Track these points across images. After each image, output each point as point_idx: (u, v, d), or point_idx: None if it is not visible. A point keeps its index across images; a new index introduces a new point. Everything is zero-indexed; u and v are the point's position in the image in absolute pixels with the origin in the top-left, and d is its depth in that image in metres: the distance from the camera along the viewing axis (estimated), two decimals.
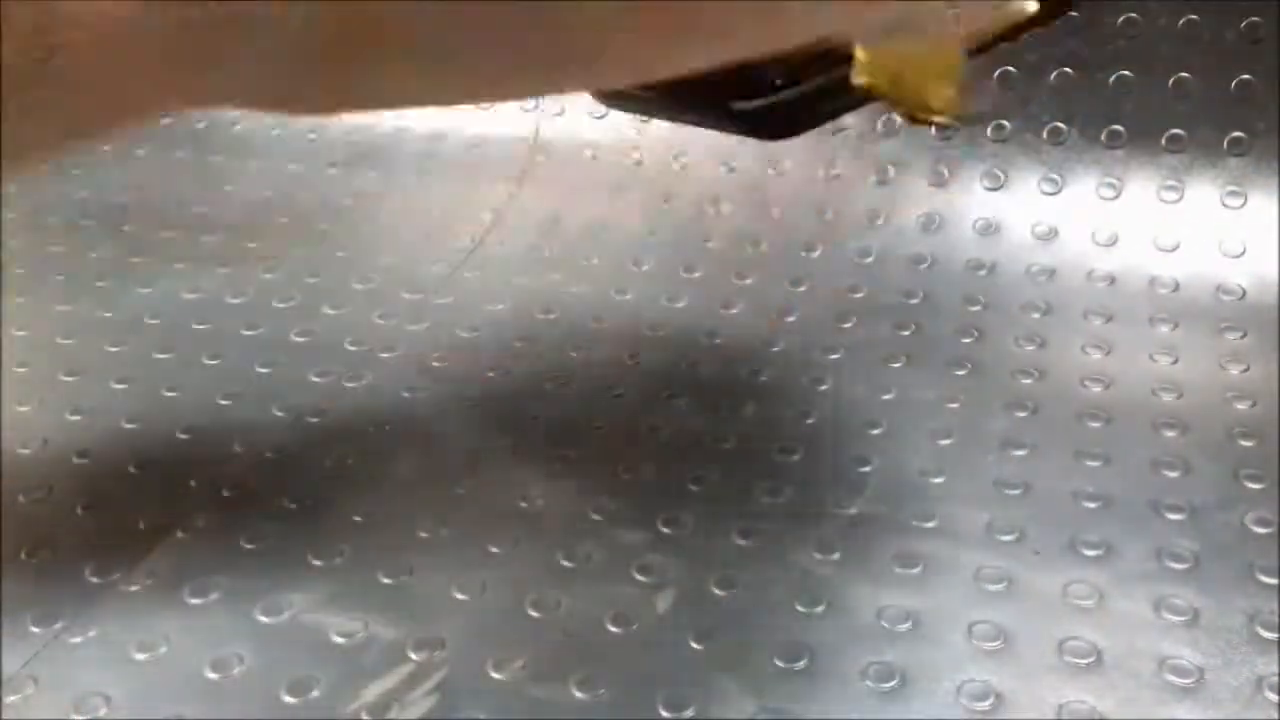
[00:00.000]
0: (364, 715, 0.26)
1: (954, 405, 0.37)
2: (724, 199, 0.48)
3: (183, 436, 0.36)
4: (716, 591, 0.29)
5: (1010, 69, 0.46)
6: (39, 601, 0.29)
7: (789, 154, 0.48)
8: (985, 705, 0.26)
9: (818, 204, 0.47)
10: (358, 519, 0.32)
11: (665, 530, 0.31)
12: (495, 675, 0.27)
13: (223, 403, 0.38)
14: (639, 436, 0.36)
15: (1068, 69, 0.45)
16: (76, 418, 0.37)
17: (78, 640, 0.28)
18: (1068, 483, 0.33)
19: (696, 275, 0.45)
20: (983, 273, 0.44)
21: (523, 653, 0.27)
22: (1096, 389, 0.37)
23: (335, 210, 0.51)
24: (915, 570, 0.30)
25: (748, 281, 0.45)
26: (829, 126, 0.48)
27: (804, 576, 0.30)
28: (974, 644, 0.27)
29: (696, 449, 0.35)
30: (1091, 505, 0.32)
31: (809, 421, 0.36)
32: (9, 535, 0.31)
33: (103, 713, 0.26)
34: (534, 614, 0.29)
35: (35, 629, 0.28)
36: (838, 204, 0.47)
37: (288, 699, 0.26)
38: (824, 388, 0.38)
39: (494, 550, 0.31)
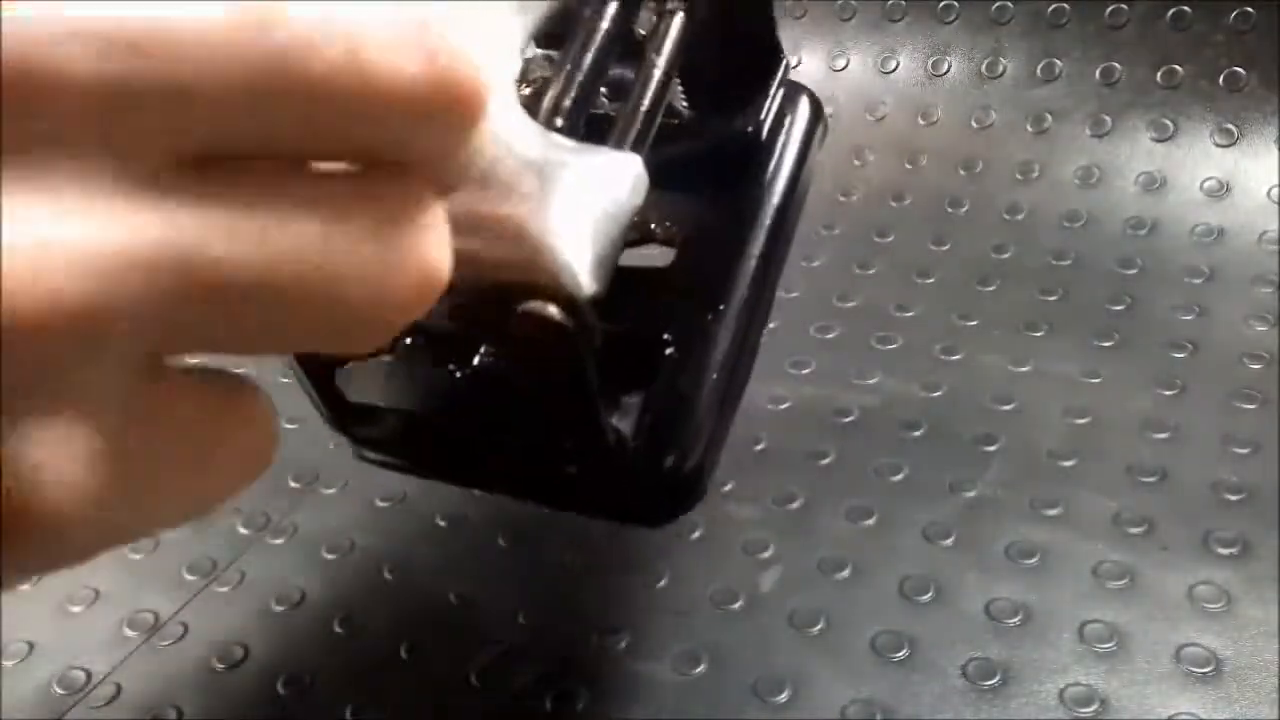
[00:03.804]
0: (472, 678, 0.27)
1: (1095, 381, 0.35)
2: (869, 149, 0.47)
3: None
4: (821, 573, 0.29)
5: (1185, 8, 0.42)
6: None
7: (940, 103, 0.46)
8: (1089, 711, 0.25)
9: (968, 156, 0.45)
10: None
11: (774, 506, 0.31)
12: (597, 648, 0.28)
13: None
14: (761, 409, 0.36)
15: (1249, 8, 0.41)
16: None
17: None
18: (1209, 471, 0.31)
19: (836, 232, 0.44)
20: (1143, 232, 0.41)
21: (626, 626, 0.28)
22: (1256, 366, 0.35)
23: None
24: (1031, 561, 0.29)
25: (889, 239, 0.44)
26: (983, 71, 0.46)
27: (913, 561, 0.29)
28: (1085, 644, 0.26)
29: (816, 422, 0.35)
30: (1232, 498, 0.30)
31: (936, 394, 0.35)
32: None
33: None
34: (638, 589, 0.29)
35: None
36: (989, 155, 0.45)
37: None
38: (956, 357, 0.37)
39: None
